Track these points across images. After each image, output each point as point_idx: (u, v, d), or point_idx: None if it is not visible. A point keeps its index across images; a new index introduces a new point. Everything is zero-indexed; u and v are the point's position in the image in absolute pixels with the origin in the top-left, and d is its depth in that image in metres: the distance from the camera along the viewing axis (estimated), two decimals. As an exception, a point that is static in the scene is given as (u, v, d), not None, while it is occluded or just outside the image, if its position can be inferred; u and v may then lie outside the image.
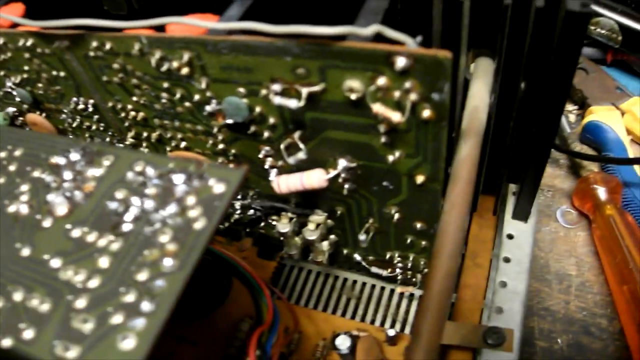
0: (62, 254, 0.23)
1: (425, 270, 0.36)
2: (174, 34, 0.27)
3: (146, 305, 0.20)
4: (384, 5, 0.27)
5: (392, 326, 0.39)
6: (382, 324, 0.39)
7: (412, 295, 0.40)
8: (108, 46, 0.29)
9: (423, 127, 0.25)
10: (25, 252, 0.24)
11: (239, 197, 0.37)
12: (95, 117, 0.36)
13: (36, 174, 0.27)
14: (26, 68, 0.35)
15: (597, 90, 0.57)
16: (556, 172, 0.54)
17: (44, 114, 0.39)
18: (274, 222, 0.37)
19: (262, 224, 0.39)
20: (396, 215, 0.32)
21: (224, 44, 0.26)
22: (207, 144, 0.33)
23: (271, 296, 0.35)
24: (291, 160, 0.29)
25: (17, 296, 0.23)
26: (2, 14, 0.32)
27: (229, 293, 0.40)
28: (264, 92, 0.27)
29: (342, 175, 0.30)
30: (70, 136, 0.40)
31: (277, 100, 0.26)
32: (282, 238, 0.36)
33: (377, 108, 0.24)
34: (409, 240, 0.33)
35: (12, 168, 0.28)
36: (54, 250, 0.24)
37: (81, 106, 0.35)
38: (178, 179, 0.24)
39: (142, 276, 0.21)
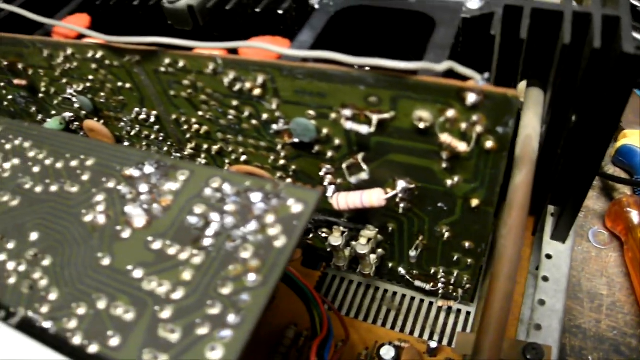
0: (143, 265, 0.25)
1: (468, 286, 0.38)
2: (247, 57, 0.29)
3: (232, 318, 0.22)
4: (450, 40, 0.28)
5: (431, 338, 0.40)
6: (421, 335, 0.41)
7: (450, 308, 0.42)
8: (181, 64, 0.31)
9: (484, 156, 0.27)
10: (106, 261, 0.26)
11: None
12: (156, 127, 0.38)
13: (111, 185, 0.29)
14: (90, 77, 0.36)
15: (630, 114, 0.59)
16: (589, 193, 0.56)
17: (102, 121, 0.40)
18: (323, 234, 0.39)
19: (311, 235, 0.41)
20: (446, 234, 0.33)
21: (301, 70, 0.27)
22: (269, 159, 0.35)
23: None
24: (353, 179, 0.31)
25: (101, 304, 0.24)
26: (88, 31, 0.33)
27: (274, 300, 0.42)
28: (333, 115, 0.29)
29: (400, 195, 0.31)
30: (127, 143, 0.41)
31: (349, 125, 0.28)
32: (330, 250, 0.38)
33: (445, 138, 0.26)
34: (455, 258, 0.35)
35: (85, 177, 0.30)
36: (135, 261, 0.25)
37: (143, 116, 0.37)
38: (255, 197, 0.26)
39: (226, 290, 0.23)
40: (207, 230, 0.25)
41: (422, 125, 0.26)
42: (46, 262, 0.27)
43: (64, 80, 0.38)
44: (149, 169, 0.29)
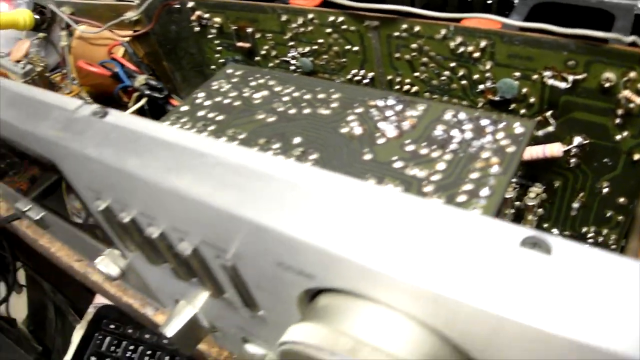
0: (402, 160, 0.37)
1: (614, 246, 0.48)
2: (471, 25, 0.41)
3: (484, 191, 0.33)
4: (629, 27, 0.39)
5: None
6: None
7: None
8: (416, 29, 0.43)
9: (654, 112, 0.38)
10: (368, 157, 0.37)
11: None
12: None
13: (359, 110, 0.41)
14: (320, 41, 0.49)
15: None
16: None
17: (313, 82, 0.52)
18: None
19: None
20: (605, 190, 0.44)
21: (519, 38, 0.39)
22: (466, 115, 0.46)
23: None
24: (541, 132, 0.42)
25: (371, 183, 0.36)
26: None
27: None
28: (535, 76, 0.40)
29: (574, 150, 0.42)
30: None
31: (551, 81, 0.39)
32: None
33: (626, 93, 0.37)
34: (607, 214, 0.46)
35: (334, 105, 0.42)
36: (393, 156, 0.37)
37: (358, 78, 0.49)
38: (485, 122, 0.37)
39: (474, 175, 0.34)
40: (451, 140, 0.37)
41: (607, 85, 0.38)
42: (314, 156, 0.38)
43: (290, 44, 0.51)
44: (391, 101, 0.41)
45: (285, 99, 0.44)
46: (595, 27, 0.40)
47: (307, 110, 0.43)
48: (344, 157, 0.38)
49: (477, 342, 0.20)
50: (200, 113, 0.46)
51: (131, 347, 0.91)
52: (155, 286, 0.45)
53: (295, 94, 0.44)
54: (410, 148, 0.37)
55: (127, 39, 0.64)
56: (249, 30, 0.53)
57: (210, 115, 0.46)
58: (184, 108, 0.48)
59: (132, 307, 0.59)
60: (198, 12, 0.57)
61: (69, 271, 0.68)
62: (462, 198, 0.33)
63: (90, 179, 0.34)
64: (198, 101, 0.48)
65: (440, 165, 0.36)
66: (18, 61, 0.75)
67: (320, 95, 0.43)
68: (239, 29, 0.54)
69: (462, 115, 0.38)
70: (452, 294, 0.19)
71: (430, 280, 0.19)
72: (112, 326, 0.94)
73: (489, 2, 0.45)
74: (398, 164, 0.37)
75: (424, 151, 0.37)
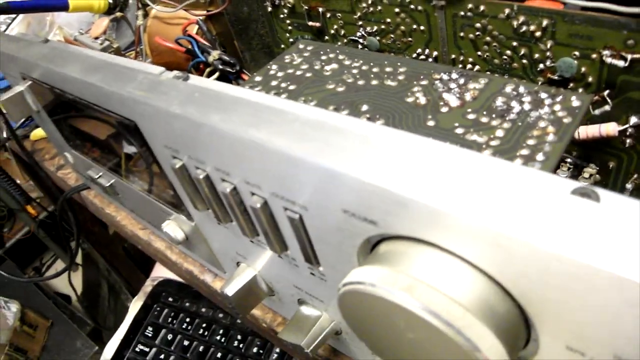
0: (464, 127, 0.39)
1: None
2: (535, 4, 0.43)
3: (540, 156, 0.36)
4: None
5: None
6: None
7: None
8: (481, 8, 0.45)
9: None
10: (431, 123, 0.40)
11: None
12: (430, 66, 0.52)
13: (424, 82, 0.44)
14: (388, 20, 0.52)
15: None
16: None
17: (378, 60, 0.56)
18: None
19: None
20: (659, 172, 0.46)
21: (580, 17, 0.41)
22: (526, 93, 0.49)
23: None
24: (597, 111, 0.44)
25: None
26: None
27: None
28: (594, 56, 0.42)
29: (629, 130, 0.45)
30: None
31: (609, 60, 0.41)
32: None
33: (684, 73, 0.39)
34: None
35: (400, 77, 0.45)
36: (456, 123, 0.39)
37: (422, 57, 0.52)
38: (544, 95, 0.40)
39: (531, 142, 0.37)
40: (511, 111, 0.39)
41: (666, 65, 0.40)
42: (380, 122, 0.41)
43: (360, 23, 0.54)
44: (454, 74, 0.44)
45: (354, 71, 0.48)
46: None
47: (374, 82, 0.46)
48: (409, 123, 0.41)
49: (526, 286, 0.22)
50: (273, 83, 0.50)
51: (187, 320, 0.95)
52: (218, 248, 0.49)
53: (364, 67, 0.48)
54: (471, 117, 0.40)
55: (202, 18, 0.69)
56: (321, 9, 0.56)
57: (283, 85, 0.49)
58: (258, 79, 0.51)
59: (192, 274, 0.62)
60: (272, -8, 0.61)
61: (133, 239, 0.72)
62: (518, 161, 0.36)
63: (169, 137, 0.37)
64: (271, 72, 0.51)
65: (499, 132, 0.38)
66: (96, 38, 0.80)
67: (388, 69, 0.46)
68: (310, 8, 0.57)
69: (522, 89, 0.41)
70: (509, 231, 0.21)
71: (489, 219, 0.21)
72: (170, 299, 0.99)
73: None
74: (459, 130, 0.39)
75: (484, 119, 0.39)
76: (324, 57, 0.50)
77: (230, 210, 0.37)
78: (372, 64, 0.48)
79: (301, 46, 0.54)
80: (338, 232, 0.30)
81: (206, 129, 0.32)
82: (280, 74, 0.51)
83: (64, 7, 0.79)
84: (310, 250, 0.34)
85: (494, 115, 0.40)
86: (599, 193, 0.21)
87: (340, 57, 0.50)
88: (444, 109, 0.41)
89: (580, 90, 0.45)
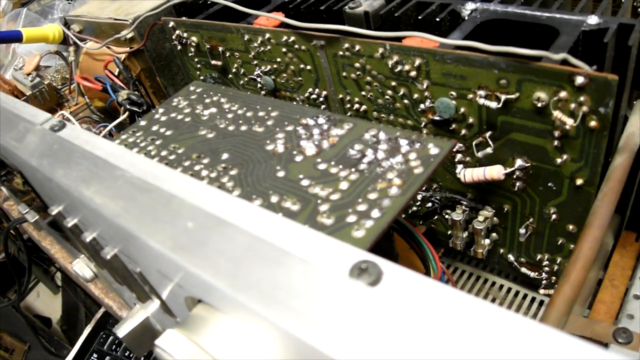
0: (311, 178, 0.37)
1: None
2: (409, 44, 0.41)
3: (375, 213, 0.33)
4: (570, 44, 0.39)
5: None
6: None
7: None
8: (357, 48, 0.43)
9: (589, 135, 0.37)
10: (281, 174, 0.38)
11: (423, 189, 0.50)
12: (323, 106, 0.50)
13: (290, 128, 0.42)
14: (278, 60, 0.50)
15: None
16: None
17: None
18: (446, 216, 0.50)
19: (435, 217, 0.52)
20: (553, 216, 0.43)
21: (450, 56, 0.39)
22: (413, 135, 0.46)
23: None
24: (480, 154, 0.42)
25: (274, 199, 0.36)
26: (287, 19, 0.47)
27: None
28: (470, 96, 0.40)
29: (517, 173, 0.42)
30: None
31: (482, 101, 0.39)
32: (451, 230, 0.49)
33: (557, 114, 0.36)
34: (559, 242, 0.45)
35: (269, 123, 0.43)
36: (304, 174, 0.37)
37: (314, 96, 0.49)
38: (403, 142, 0.37)
39: (372, 196, 0.34)
40: (363, 160, 0.37)
41: (539, 105, 0.37)
42: (233, 172, 0.39)
43: (255, 62, 0.52)
44: (321, 120, 0.41)
45: (230, 115, 0.45)
46: (547, 45, 0.40)
47: (243, 127, 0.43)
48: (260, 173, 0.39)
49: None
50: (154, 128, 0.48)
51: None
52: (119, 290, 0.48)
53: (240, 112, 0.45)
54: (322, 167, 0.38)
55: (124, 55, 0.67)
56: (221, 49, 0.54)
57: (161, 130, 0.47)
58: (142, 123, 0.50)
59: (112, 309, 0.61)
60: (178, 32, 0.59)
61: (65, 272, 0.72)
62: (351, 218, 0.33)
63: (41, 185, 0.37)
64: (156, 116, 0.50)
65: (344, 185, 0.36)
66: (28, 74, 0.79)
67: (260, 113, 0.44)
68: (212, 47, 0.55)
69: (382, 135, 0.38)
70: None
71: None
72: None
73: (437, 19, 0.45)
74: (305, 182, 0.37)
75: (334, 170, 0.37)
76: (207, 100, 0.48)
77: (94, 258, 0.37)
78: (249, 106, 0.46)
79: (192, 88, 0.52)
80: (164, 286, 0.30)
81: (53, 183, 0.34)
82: (163, 118, 0.49)
83: (18, 39, 0.78)
84: (162, 302, 0.35)
85: (342, 166, 0.37)
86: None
87: (222, 100, 0.48)
88: (298, 158, 0.39)
89: (463, 131, 0.43)
